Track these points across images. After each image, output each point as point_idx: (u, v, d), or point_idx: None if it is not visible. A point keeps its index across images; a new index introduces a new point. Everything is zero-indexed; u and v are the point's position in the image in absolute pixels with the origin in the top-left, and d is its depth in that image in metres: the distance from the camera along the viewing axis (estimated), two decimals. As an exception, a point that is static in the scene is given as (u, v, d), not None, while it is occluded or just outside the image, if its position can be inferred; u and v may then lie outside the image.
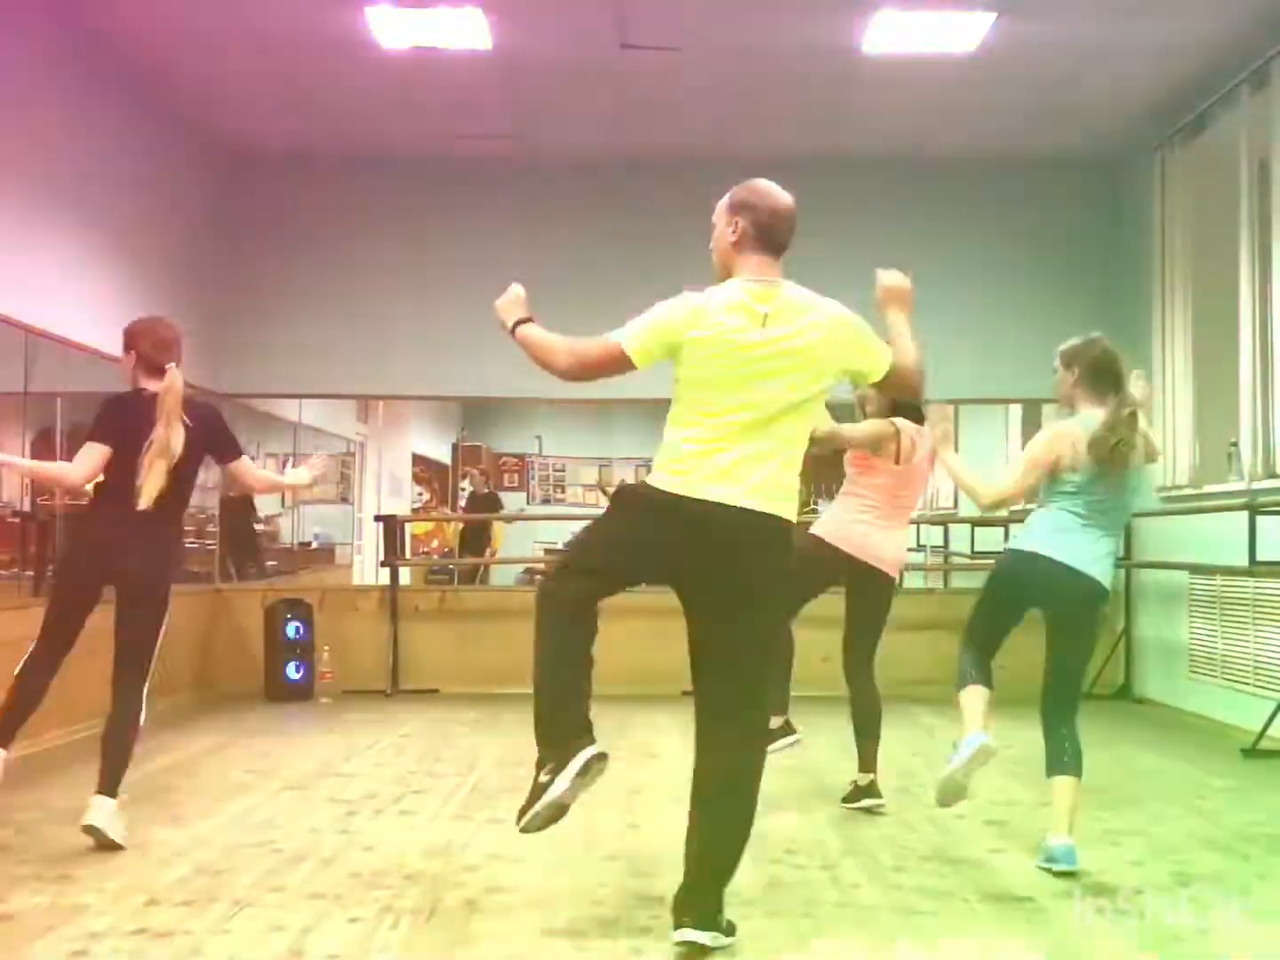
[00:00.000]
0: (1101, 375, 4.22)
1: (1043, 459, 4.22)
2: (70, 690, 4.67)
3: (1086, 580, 4.16)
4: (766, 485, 3.35)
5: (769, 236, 3.53)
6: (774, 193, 3.61)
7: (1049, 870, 4.06)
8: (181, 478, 4.44)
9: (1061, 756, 4.15)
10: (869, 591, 5.20)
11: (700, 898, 3.31)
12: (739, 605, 3.36)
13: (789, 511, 3.38)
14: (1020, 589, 4.31)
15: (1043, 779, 5.38)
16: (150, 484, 4.32)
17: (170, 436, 4.35)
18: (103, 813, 4.26)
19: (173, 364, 4.45)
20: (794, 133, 8.54)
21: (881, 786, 5.34)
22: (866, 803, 5.09)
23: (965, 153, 8.86)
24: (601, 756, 3.28)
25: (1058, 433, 4.26)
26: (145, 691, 4.42)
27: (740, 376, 3.37)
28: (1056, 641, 4.28)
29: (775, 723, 5.16)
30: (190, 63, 7.49)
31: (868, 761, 5.15)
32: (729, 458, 3.34)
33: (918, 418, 5.12)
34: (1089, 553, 4.16)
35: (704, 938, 3.26)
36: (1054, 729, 4.20)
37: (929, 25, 6.91)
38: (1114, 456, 4.10)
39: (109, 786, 4.30)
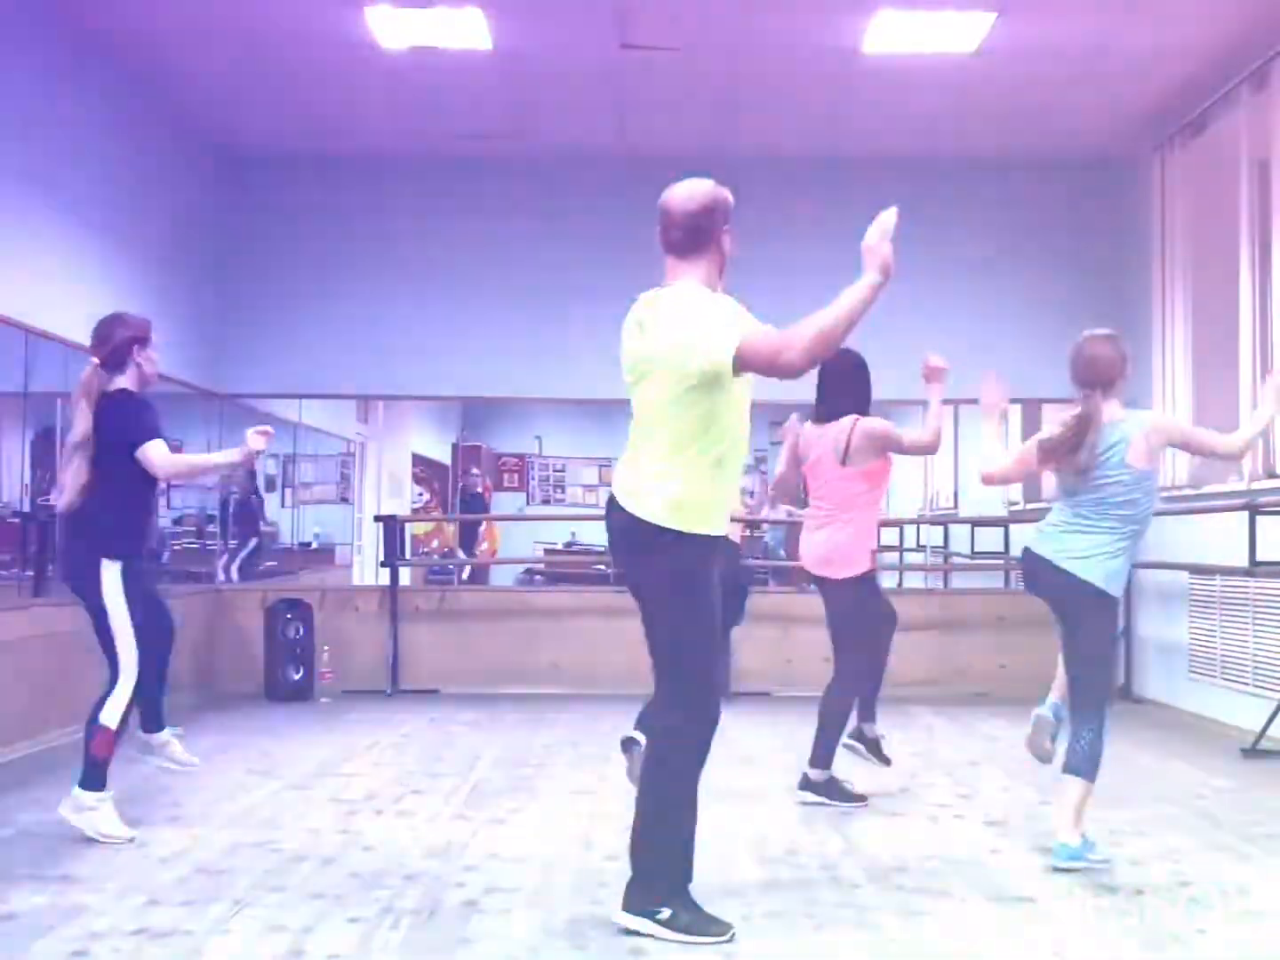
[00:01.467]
0: (1078, 376, 4.28)
1: (1026, 456, 4.47)
2: (70, 690, 4.68)
3: (1067, 577, 4.17)
4: (633, 486, 3.47)
5: (662, 237, 3.55)
6: (668, 192, 3.55)
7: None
8: (96, 470, 4.54)
9: (1069, 756, 4.17)
10: (820, 590, 5.30)
11: (631, 881, 3.46)
12: (636, 599, 3.57)
13: (666, 512, 3.40)
14: (1026, 582, 4.45)
15: (1044, 779, 5.40)
16: (62, 482, 4.59)
17: (74, 430, 4.56)
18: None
19: (94, 359, 4.65)
20: (794, 133, 8.54)
21: (882, 787, 5.36)
22: (810, 798, 5.08)
23: (965, 153, 8.86)
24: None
25: (1040, 435, 4.46)
26: (118, 689, 4.50)
27: (630, 386, 3.54)
28: (1062, 639, 4.32)
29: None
30: (190, 63, 7.49)
31: (814, 756, 5.14)
32: (622, 459, 3.57)
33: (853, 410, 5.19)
34: (1076, 549, 4.18)
35: (621, 919, 3.43)
36: (1071, 727, 4.22)
37: (929, 25, 6.91)
38: (1059, 464, 4.23)
39: (81, 777, 4.48)
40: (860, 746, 5.31)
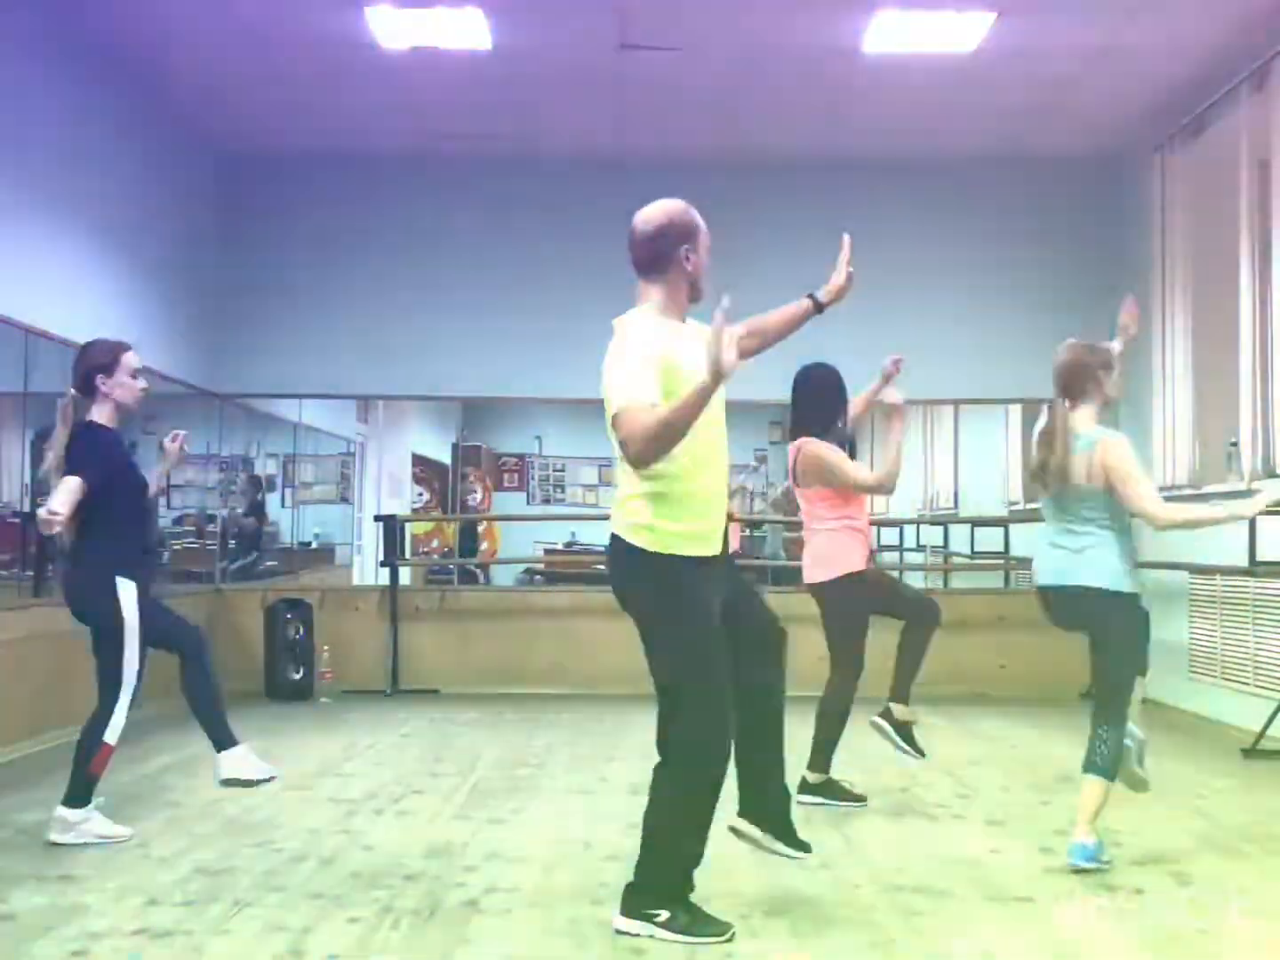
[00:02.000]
0: (1054, 385, 4.29)
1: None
2: (70, 692, 4.68)
3: (1077, 594, 4.19)
4: (616, 508, 3.50)
5: (630, 257, 3.54)
6: (637, 212, 3.52)
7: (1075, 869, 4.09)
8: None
9: (1091, 756, 4.16)
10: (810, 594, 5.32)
11: (630, 886, 3.48)
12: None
13: (635, 534, 3.40)
14: (1050, 619, 4.42)
15: (1043, 779, 5.40)
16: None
17: (46, 458, 4.51)
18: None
19: (70, 389, 4.55)
20: (794, 133, 8.54)
21: (882, 787, 5.35)
22: (807, 799, 5.03)
23: (965, 153, 8.86)
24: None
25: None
26: (112, 714, 4.44)
27: None
28: (1090, 648, 4.31)
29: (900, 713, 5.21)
30: (190, 63, 7.49)
31: (811, 760, 5.12)
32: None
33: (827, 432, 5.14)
34: (1071, 564, 4.20)
35: (619, 923, 3.44)
36: (1092, 730, 4.21)
37: (929, 25, 6.92)
38: (1035, 481, 4.26)
39: (66, 796, 4.43)
40: (887, 726, 5.14)
